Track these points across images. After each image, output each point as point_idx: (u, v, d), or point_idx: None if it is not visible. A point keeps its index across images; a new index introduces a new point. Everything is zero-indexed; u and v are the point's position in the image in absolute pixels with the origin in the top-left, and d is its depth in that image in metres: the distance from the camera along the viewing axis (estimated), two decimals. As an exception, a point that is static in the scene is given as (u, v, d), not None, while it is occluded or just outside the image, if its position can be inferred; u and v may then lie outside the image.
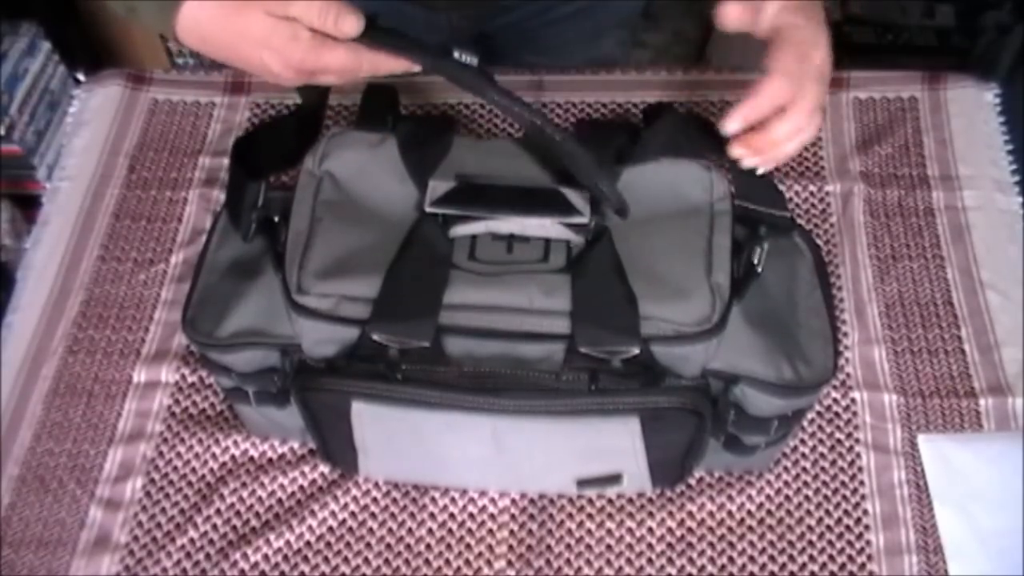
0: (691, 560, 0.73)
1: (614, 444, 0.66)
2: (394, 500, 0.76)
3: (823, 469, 0.77)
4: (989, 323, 0.83)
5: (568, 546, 0.74)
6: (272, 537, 0.74)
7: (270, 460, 0.78)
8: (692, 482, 0.76)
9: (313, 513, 0.75)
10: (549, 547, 0.74)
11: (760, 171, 0.65)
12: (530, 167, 0.66)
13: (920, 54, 1.83)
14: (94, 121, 0.99)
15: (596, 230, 0.63)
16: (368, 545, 0.75)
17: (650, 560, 0.73)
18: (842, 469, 0.77)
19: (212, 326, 0.66)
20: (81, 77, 1.07)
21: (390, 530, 0.75)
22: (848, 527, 0.74)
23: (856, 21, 1.82)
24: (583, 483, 0.73)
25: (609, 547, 0.74)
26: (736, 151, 0.64)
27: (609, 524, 0.75)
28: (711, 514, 0.75)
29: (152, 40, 1.76)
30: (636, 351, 0.60)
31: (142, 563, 0.74)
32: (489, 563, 0.73)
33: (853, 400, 0.80)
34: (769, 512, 0.75)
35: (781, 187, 0.80)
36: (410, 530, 0.75)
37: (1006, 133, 0.94)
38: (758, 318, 0.65)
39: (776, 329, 0.65)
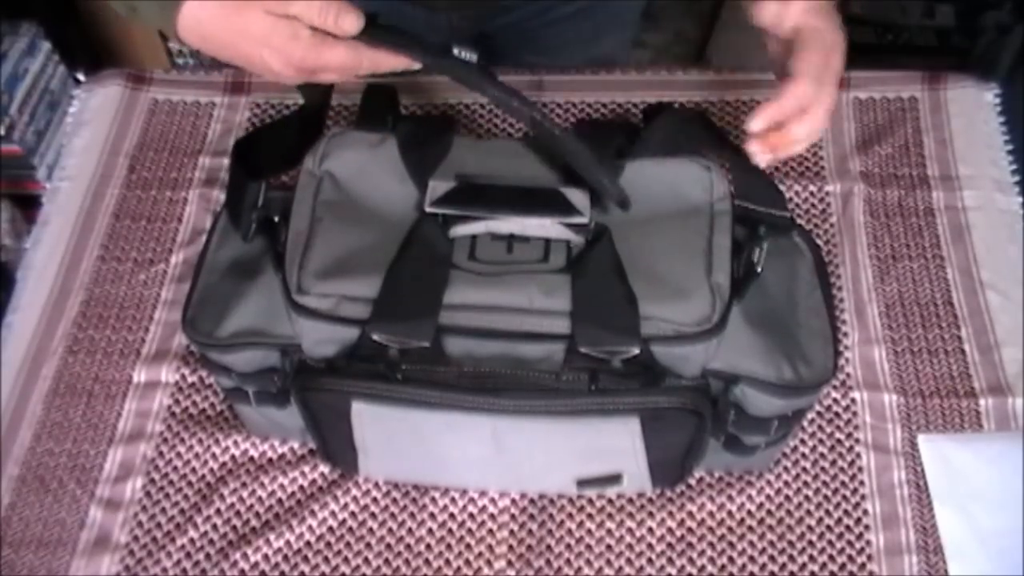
0: (691, 560, 0.73)
1: (614, 444, 0.66)
2: (394, 500, 0.76)
3: (823, 469, 0.77)
4: (989, 323, 0.83)
5: (568, 546, 0.74)
6: (272, 537, 0.74)
7: (270, 460, 0.78)
8: (692, 482, 0.76)
9: (313, 513, 0.75)
10: (549, 547, 0.74)
11: (762, 165, 0.66)
12: (530, 167, 0.66)
13: (920, 54, 1.83)
14: (94, 121, 0.99)
15: (596, 230, 0.63)
16: (368, 545, 0.75)
17: (650, 560, 0.73)
18: (842, 469, 0.77)
19: (212, 326, 0.66)
20: (81, 77, 1.08)
21: (390, 530, 0.75)
22: (848, 527, 0.74)
23: (856, 21, 1.82)
24: (583, 483, 0.73)
25: (609, 547, 0.74)
26: (754, 148, 0.65)
27: (609, 524, 0.75)
28: (711, 514, 0.75)
29: (152, 40, 1.76)
30: (636, 351, 0.60)
31: (142, 563, 0.74)
32: (489, 563, 0.73)
33: (853, 400, 0.80)
34: (769, 512, 0.75)
35: (781, 187, 0.80)
36: (410, 530, 0.75)
37: (1006, 133, 0.94)
38: (758, 318, 0.65)
39: (776, 329, 0.65)
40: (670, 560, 0.73)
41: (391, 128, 0.69)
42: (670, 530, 0.74)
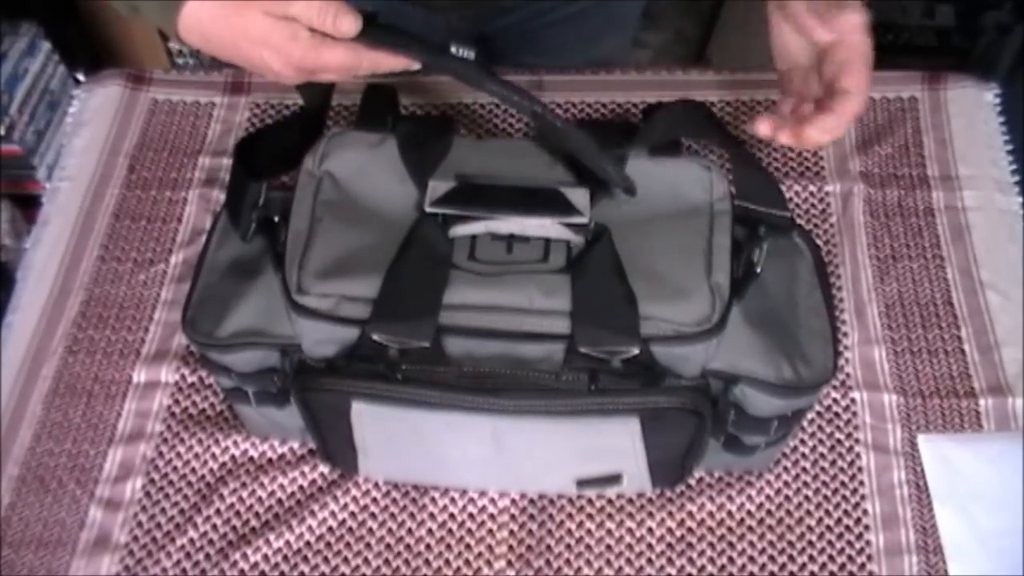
0: (691, 560, 0.73)
1: (614, 444, 0.66)
2: (394, 500, 0.76)
3: (823, 469, 0.77)
4: (989, 323, 0.83)
5: (568, 546, 0.74)
6: (272, 537, 0.74)
7: (270, 460, 0.78)
8: (692, 482, 0.76)
9: (313, 513, 0.75)
10: (549, 547, 0.74)
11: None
12: (531, 167, 0.66)
13: (920, 54, 1.83)
14: (94, 121, 0.99)
15: (596, 230, 0.63)
16: (368, 545, 0.75)
17: (650, 560, 0.73)
18: (842, 469, 0.77)
19: (212, 326, 0.66)
20: (81, 77, 1.07)
21: (390, 530, 0.75)
22: (848, 527, 0.74)
23: (856, 21, 1.82)
24: (583, 483, 0.73)
25: (609, 547, 0.74)
26: (783, 138, 0.66)
27: (609, 524, 0.75)
28: (711, 514, 0.75)
29: (152, 40, 1.76)
30: (636, 351, 0.60)
31: (142, 563, 0.74)
32: (489, 563, 0.73)
33: (853, 400, 0.80)
34: (769, 512, 0.75)
35: (781, 187, 0.80)
36: (410, 530, 0.75)
37: (1006, 133, 0.94)
38: (758, 318, 0.65)
39: (776, 329, 0.65)
40: (670, 560, 0.73)
41: (391, 128, 0.69)
42: (670, 530, 0.74)
